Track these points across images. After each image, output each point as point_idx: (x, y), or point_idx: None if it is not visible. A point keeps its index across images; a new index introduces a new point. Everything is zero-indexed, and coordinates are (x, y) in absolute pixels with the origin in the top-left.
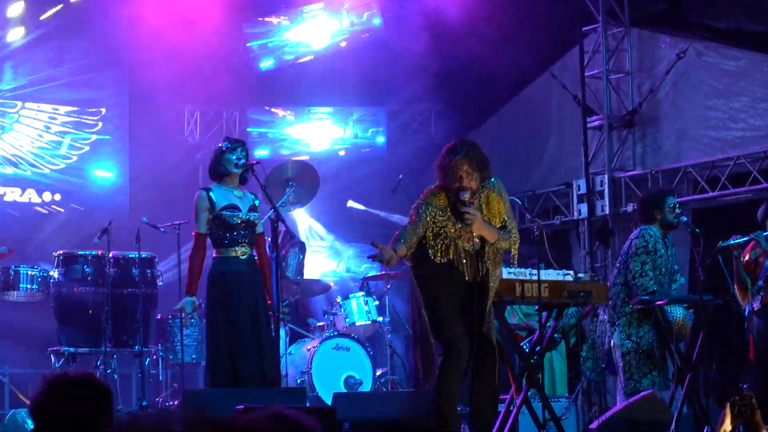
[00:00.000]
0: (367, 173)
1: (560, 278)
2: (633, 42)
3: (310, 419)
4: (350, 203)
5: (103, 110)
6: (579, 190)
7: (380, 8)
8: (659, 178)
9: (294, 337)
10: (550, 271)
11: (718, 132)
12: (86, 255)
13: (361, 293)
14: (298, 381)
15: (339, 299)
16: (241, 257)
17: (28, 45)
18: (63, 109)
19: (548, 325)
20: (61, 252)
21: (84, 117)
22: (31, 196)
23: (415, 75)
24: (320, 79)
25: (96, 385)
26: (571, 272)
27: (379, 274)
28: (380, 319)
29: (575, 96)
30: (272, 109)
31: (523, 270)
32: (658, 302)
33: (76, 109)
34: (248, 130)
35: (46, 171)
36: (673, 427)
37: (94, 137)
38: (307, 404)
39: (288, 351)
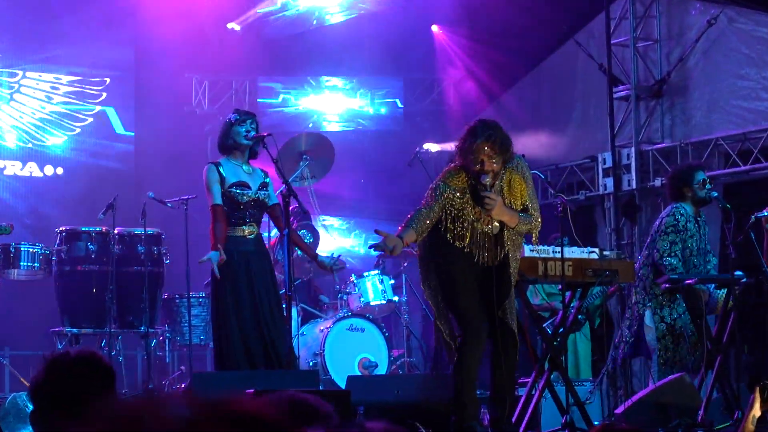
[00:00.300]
0: (383, 146)
1: (585, 256)
2: (662, 8)
3: (326, 405)
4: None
5: (108, 80)
6: (604, 163)
7: None
8: (688, 151)
9: (306, 318)
10: (574, 248)
11: (751, 102)
12: (90, 231)
13: (377, 271)
14: (311, 363)
15: (353, 278)
16: (248, 236)
17: (29, 12)
18: (65, 78)
19: (572, 305)
20: (64, 228)
21: (87, 87)
22: (32, 169)
23: (434, 44)
24: (335, 47)
25: (99, 364)
26: (596, 250)
27: None
28: (396, 298)
29: (601, 65)
30: (284, 79)
31: (546, 247)
32: (687, 281)
33: (79, 78)
34: (258, 100)
35: (48, 143)
36: (702, 411)
37: (98, 108)
38: (320, 387)
39: (300, 332)
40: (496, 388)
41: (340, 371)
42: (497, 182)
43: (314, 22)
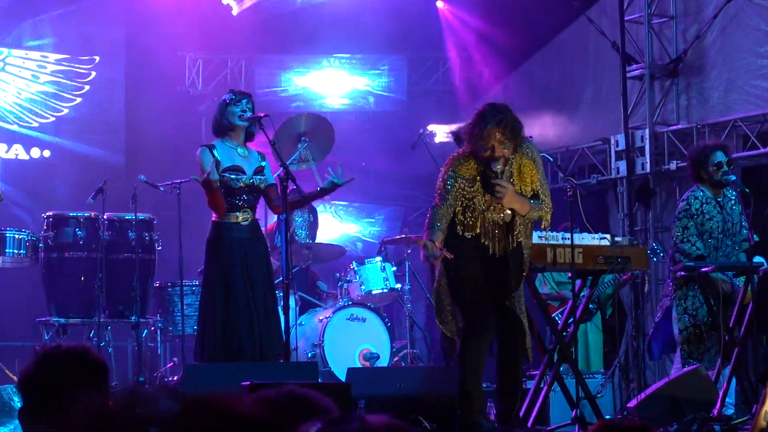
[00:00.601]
0: (385, 127)
1: (596, 243)
2: None
3: (326, 400)
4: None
5: (97, 58)
6: (617, 146)
7: None
8: (705, 133)
9: (305, 307)
10: (585, 234)
11: None
12: (78, 217)
13: (379, 258)
14: (309, 354)
15: (354, 265)
16: (242, 223)
17: None
18: (53, 56)
19: (582, 294)
20: (51, 213)
21: (76, 66)
22: (18, 152)
23: (439, 20)
24: (336, 24)
25: (91, 359)
26: (608, 236)
27: (398, 237)
28: (399, 286)
29: (614, 43)
30: (281, 57)
31: (555, 234)
32: (703, 269)
33: (67, 56)
34: (255, 80)
35: (35, 125)
36: (718, 406)
37: (86, 87)
38: (319, 380)
39: (298, 321)
40: (503, 381)
41: (340, 363)
42: (506, 168)
43: None
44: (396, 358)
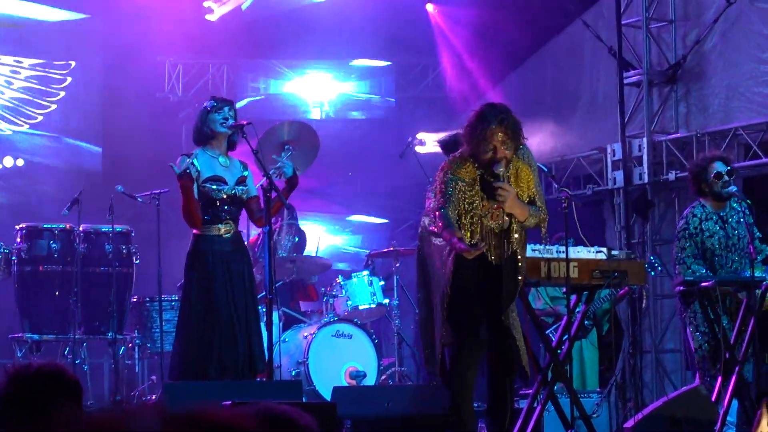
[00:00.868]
0: (372, 135)
1: (592, 256)
2: None
3: (306, 417)
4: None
5: (73, 63)
6: (614, 155)
7: None
8: (705, 142)
9: (288, 323)
10: (581, 248)
11: None
12: (53, 229)
13: (366, 272)
14: (293, 373)
15: (340, 279)
16: (224, 235)
17: None
18: (27, 61)
19: (577, 310)
20: (24, 225)
21: (51, 71)
22: None
23: (429, 24)
24: (321, 29)
25: (64, 378)
26: (605, 249)
27: (386, 250)
28: (387, 301)
29: (610, 48)
30: (265, 63)
31: (549, 247)
32: (702, 284)
33: (42, 61)
34: (237, 86)
35: (8, 133)
36: (719, 425)
37: (62, 94)
38: (303, 399)
39: (282, 338)
40: (495, 400)
41: (326, 381)
42: (505, 173)
43: (298, 1)
44: (383, 377)
